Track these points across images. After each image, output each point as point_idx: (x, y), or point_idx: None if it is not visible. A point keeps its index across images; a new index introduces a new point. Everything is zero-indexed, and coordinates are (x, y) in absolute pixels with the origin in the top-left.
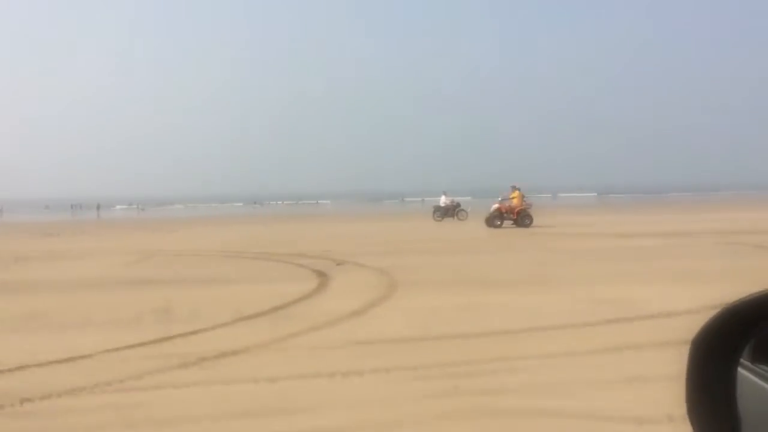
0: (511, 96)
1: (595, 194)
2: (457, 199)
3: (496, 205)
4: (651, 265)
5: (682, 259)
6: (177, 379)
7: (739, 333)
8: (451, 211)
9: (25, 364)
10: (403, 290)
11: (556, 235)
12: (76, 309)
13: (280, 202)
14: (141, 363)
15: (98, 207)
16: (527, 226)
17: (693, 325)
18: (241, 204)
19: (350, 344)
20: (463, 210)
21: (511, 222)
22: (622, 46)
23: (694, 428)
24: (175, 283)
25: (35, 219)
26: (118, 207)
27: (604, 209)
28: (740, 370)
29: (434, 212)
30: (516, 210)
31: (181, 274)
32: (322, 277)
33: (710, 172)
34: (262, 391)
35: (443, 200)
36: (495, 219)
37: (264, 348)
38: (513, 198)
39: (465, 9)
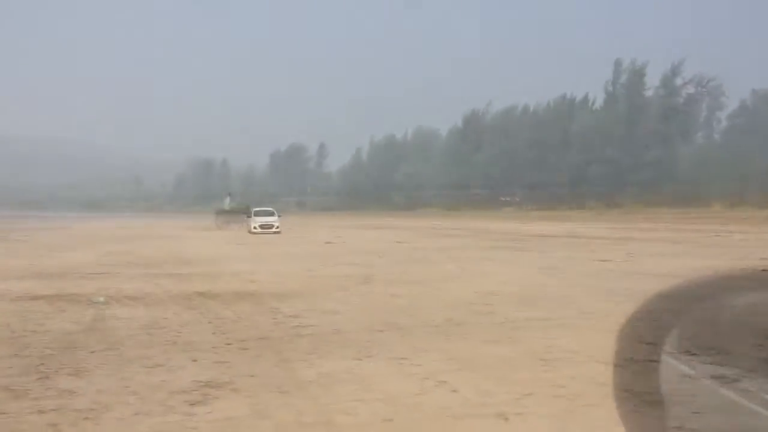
0: None
1: None
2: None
3: None
4: None
5: None
6: None
7: (664, 322)
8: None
9: None
10: None
11: None
12: None
13: None
14: None
15: None
16: None
17: None
18: None
19: None
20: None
21: None
22: None
23: (622, 413)
24: None
25: None
26: None
27: None
28: (664, 356)
29: (217, 217)
30: None
31: None
32: None
33: None
34: None
35: (228, 203)
36: None
37: None
38: None
39: None
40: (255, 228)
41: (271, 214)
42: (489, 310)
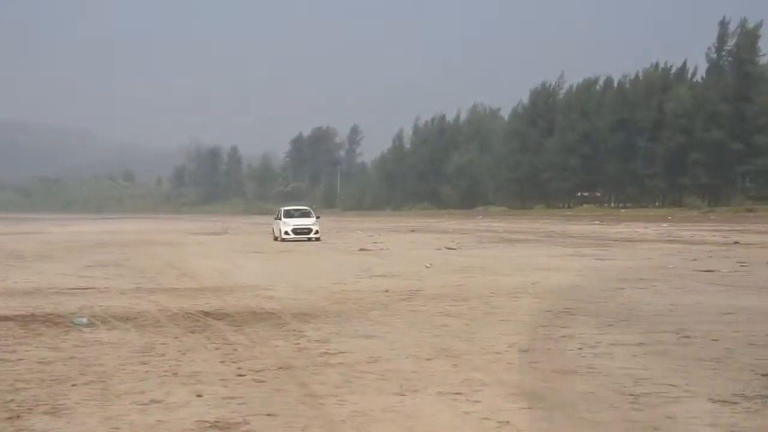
0: None
1: None
2: None
3: None
4: None
5: None
6: None
7: None
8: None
9: None
10: None
11: None
12: None
13: None
14: None
15: None
16: None
17: None
18: None
19: None
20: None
21: None
22: None
23: None
24: None
25: None
26: None
27: None
28: None
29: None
30: None
31: None
32: None
33: None
34: None
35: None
36: None
37: None
38: None
39: None
40: (286, 233)
41: (307, 214)
42: (564, 333)
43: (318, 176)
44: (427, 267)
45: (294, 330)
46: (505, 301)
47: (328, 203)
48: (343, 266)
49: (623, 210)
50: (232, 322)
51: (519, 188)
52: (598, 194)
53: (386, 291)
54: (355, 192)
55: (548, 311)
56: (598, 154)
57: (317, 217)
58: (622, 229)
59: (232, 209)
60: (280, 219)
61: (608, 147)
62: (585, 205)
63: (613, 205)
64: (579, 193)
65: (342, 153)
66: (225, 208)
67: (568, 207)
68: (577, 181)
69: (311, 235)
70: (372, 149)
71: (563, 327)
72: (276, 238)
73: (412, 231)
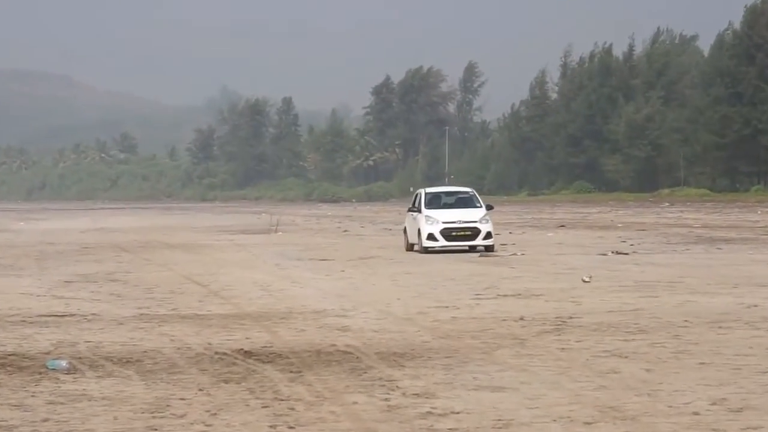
0: None
1: None
2: None
3: None
4: None
5: None
6: None
7: None
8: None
9: None
10: None
11: None
12: None
13: None
14: None
15: None
16: None
17: None
18: None
19: None
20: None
21: None
22: None
23: None
24: None
25: None
26: None
27: None
28: None
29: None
30: None
31: None
32: None
33: None
34: None
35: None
36: None
37: None
38: None
39: None
40: (430, 237)
41: (469, 202)
42: None
43: (415, 143)
44: (585, 281)
45: (381, 378)
46: (705, 334)
47: (430, 183)
48: (454, 281)
49: None
50: (286, 366)
51: (727, 158)
52: None
53: (521, 319)
54: (473, 166)
55: None
56: None
57: (488, 208)
58: None
59: (283, 194)
60: (418, 211)
61: None
62: None
63: None
64: None
65: (452, 108)
66: (274, 192)
67: None
68: None
69: (477, 242)
70: (497, 104)
71: None
72: (411, 247)
73: (561, 226)
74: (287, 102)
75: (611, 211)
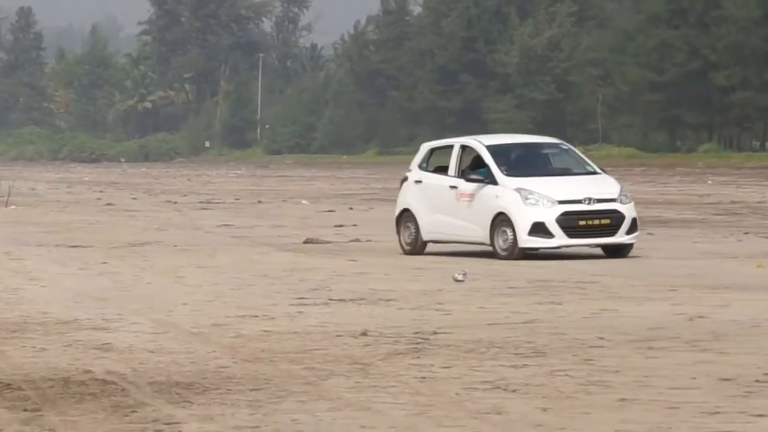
0: None
1: None
2: None
3: None
4: None
5: None
6: None
7: None
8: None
9: None
10: None
11: None
12: None
13: None
14: None
15: None
16: None
17: None
18: None
19: None
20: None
21: None
22: None
23: None
24: None
25: None
26: None
27: None
28: None
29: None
30: None
31: None
32: None
33: None
34: None
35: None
36: None
37: None
38: None
39: None
40: (544, 230)
41: (573, 162)
42: None
43: (213, 77)
44: (457, 280)
45: (157, 420)
46: (629, 358)
47: (237, 138)
48: (267, 278)
49: None
50: (18, 402)
51: (665, 104)
52: None
53: (364, 334)
54: (298, 112)
55: (732, 380)
56: None
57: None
58: None
59: (19, 149)
60: (484, 181)
61: None
62: None
63: None
64: None
65: (268, 26)
66: (4, 146)
67: None
68: None
69: (619, 240)
70: (334, 22)
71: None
72: (422, 247)
73: None
74: (25, 14)
75: None
